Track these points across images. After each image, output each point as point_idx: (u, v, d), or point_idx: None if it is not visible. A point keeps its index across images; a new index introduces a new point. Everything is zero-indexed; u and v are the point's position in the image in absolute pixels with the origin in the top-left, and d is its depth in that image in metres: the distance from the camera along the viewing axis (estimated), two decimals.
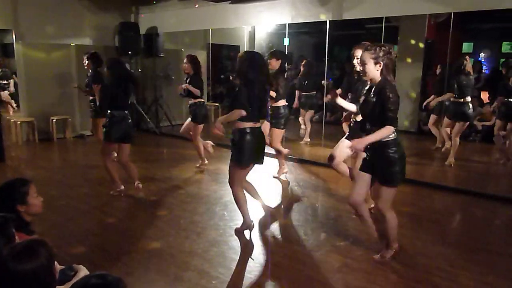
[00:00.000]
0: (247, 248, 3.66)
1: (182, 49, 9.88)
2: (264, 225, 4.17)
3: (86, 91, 6.47)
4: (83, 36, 8.76)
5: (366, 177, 3.24)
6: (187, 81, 5.88)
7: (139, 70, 9.61)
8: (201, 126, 5.96)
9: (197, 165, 6.21)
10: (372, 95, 3.07)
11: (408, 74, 8.56)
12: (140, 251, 3.55)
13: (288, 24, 7.14)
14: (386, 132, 2.97)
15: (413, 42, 8.61)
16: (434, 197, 5.16)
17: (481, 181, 5.92)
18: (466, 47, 9.84)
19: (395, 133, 3.04)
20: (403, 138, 7.79)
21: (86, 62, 6.30)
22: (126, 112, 4.82)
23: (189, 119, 6.00)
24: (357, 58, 3.80)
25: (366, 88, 3.25)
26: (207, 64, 9.78)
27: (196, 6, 8.17)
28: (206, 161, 6.23)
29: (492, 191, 5.20)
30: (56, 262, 1.82)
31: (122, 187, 5.02)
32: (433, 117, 7.31)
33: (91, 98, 6.32)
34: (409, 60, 8.64)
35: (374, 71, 3.05)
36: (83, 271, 2.16)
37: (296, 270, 3.26)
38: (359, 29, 9.32)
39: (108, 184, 5.24)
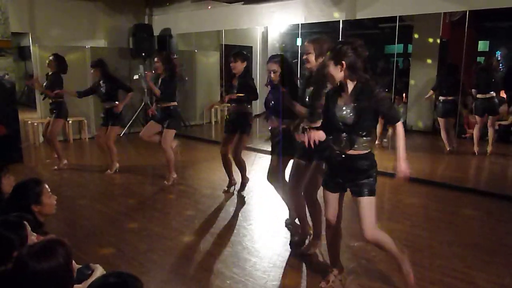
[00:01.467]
0: (261, 248, 3.66)
1: (196, 50, 9.94)
2: (277, 226, 4.17)
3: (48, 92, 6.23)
4: (98, 39, 8.88)
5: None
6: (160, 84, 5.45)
7: (153, 71, 9.67)
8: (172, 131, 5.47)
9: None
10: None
11: (422, 74, 8.46)
12: (155, 250, 3.58)
13: (301, 24, 7.13)
14: (403, 131, 2.63)
15: (427, 41, 8.52)
16: (450, 198, 5.10)
17: (497, 182, 5.83)
18: (482, 45, 9.67)
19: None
20: (419, 138, 7.81)
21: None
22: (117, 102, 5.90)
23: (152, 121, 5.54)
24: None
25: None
26: (220, 65, 9.82)
27: (209, 7, 8.21)
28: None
29: (510, 192, 5.12)
30: (73, 261, 1.85)
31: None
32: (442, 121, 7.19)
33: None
34: (423, 59, 8.55)
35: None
36: (99, 270, 2.19)
37: (309, 271, 3.26)
38: (372, 29, 9.25)
39: (123, 185, 5.29)
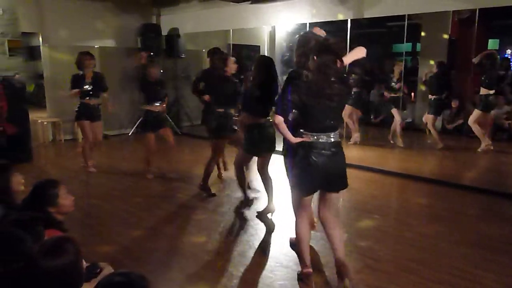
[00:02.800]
0: (268, 248, 3.67)
1: (203, 50, 9.95)
2: (285, 225, 4.18)
3: None
4: (106, 38, 8.94)
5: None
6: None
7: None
8: None
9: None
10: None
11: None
12: (163, 250, 3.61)
13: (309, 23, 7.12)
14: None
15: (436, 39, 8.46)
16: (456, 197, 5.07)
17: (506, 181, 5.79)
18: (492, 44, 9.59)
19: None
20: (427, 137, 7.76)
21: None
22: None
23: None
24: None
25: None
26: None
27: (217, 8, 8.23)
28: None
29: None
30: (82, 260, 1.87)
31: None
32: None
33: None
34: (432, 58, 8.49)
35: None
36: (107, 269, 2.22)
37: (317, 270, 3.26)
38: (380, 28, 9.22)
39: (131, 184, 5.33)
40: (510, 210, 4.60)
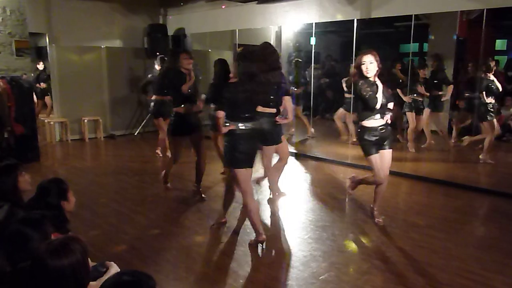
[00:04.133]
0: (274, 248, 3.66)
1: (210, 50, 9.97)
2: (292, 225, 4.17)
3: None
4: (113, 39, 8.98)
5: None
6: None
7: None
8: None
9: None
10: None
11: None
12: (169, 249, 3.61)
13: (315, 23, 7.10)
14: None
15: (444, 40, 8.39)
16: (465, 198, 5.02)
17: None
18: (500, 44, 9.51)
19: None
20: (434, 138, 7.69)
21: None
22: None
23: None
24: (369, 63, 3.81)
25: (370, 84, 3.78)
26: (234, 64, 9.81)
27: (223, 6, 8.23)
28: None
29: None
30: (88, 259, 1.87)
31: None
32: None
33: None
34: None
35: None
36: (114, 268, 2.21)
37: (323, 271, 3.24)
38: (388, 28, 9.15)
39: (139, 184, 5.34)
40: None
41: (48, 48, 8.21)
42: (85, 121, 8.47)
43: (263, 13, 7.63)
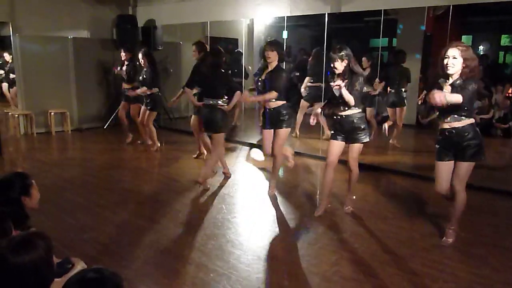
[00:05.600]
0: (245, 241, 3.66)
1: (180, 42, 9.84)
2: (262, 219, 4.18)
3: None
4: (80, 29, 8.73)
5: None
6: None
7: (137, 62, 9.58)
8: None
9: (194, 156, 6.32)
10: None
11: (407, 67, 8.52)
12: (137, 244, 3.56)
13: (287, 17, 7.10)
14: None
15: (412, 35, 8.57)
16: (430, 189, 5.15)
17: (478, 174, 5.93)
18: (465, 40, 9.81)
19: None
20: (404, 131, 7.86)
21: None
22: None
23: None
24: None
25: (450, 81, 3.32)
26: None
27: None
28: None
29: (488, 184, 5.18)
30: (53, 255, 1.82)
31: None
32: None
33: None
34: (408, 53, 8.60)
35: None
36: (80, 264, 2.16)
37: (293, 263, 3.28)
38: (358, 22, 9.29)
39: (106, 178, 5.24)
40: (483, 204, 4.70)
41: (11, 38, 7.90)
42: (52, 113, 8.22)
43: (235, 6, 7.57)
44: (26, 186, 2.51)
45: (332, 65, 3.95)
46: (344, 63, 3.90)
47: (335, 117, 4.07)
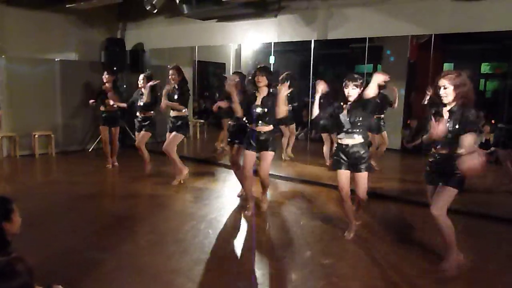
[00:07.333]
0: (231, 267, 3.62)
1: (168, 66, 9.88)
2: (249, 244, 4.14)
3: None
4: (68, 51, 8.75)
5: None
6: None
7: (125, 86, 9.59)
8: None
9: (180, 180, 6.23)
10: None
11: (391, 93, 8.68)
12: (123, 269, 3.49)
13: (274, 42, 7.23)
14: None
15: (396, 62, 8.78)
16: (420, 214, 5.19)
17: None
18: (447, 67, 10.05)
19: None
20: (388, 155, 7.96)
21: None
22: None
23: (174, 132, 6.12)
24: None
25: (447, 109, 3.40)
26: (193, 81, 9.82)
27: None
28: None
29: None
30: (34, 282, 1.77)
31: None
32: None
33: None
34: (392, 80, 8.77)
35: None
36: None
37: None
38: (343, 48, 9.47)
39: (90, 201, 5.15)
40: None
41: None
42: (36, 136, 8.12)
43: (223, 31, 7.69)
44: (7, 212, 2.41)
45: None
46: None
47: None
